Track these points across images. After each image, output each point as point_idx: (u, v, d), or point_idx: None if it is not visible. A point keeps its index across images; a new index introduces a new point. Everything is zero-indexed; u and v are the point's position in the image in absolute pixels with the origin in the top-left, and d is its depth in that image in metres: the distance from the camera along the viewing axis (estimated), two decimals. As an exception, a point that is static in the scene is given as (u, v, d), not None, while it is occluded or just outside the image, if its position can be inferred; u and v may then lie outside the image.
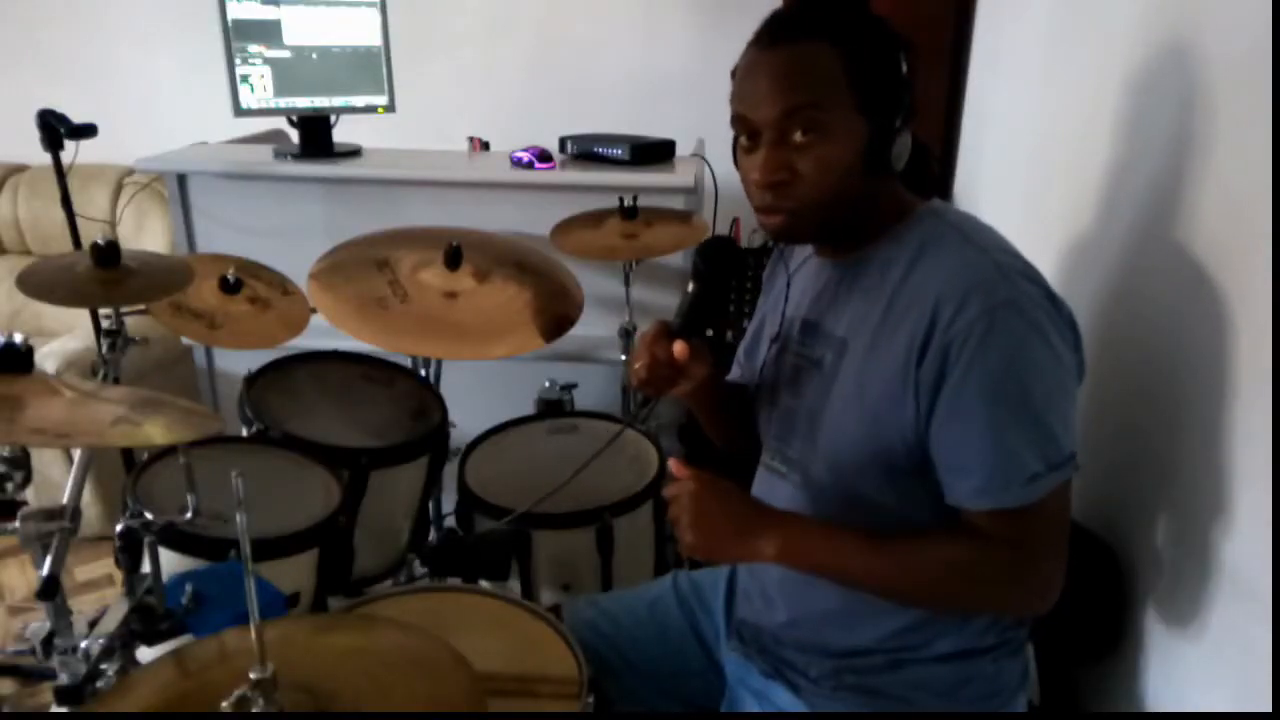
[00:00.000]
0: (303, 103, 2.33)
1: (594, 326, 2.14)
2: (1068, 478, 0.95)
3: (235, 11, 2.19)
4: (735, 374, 1.28)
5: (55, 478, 2.49)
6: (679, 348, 1.06)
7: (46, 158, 2.00)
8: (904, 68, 0.97)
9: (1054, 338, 0.92)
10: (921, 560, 0.98)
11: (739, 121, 0.99)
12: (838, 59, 0.94)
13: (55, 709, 1.06)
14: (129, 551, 1.17)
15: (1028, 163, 1.81)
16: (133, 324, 1.67)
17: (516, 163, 2.31)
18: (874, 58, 0.95)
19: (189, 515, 1.18)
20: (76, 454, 1.23)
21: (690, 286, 1.11)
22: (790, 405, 1.10)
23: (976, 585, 0.98)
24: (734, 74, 1.00)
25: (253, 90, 2.25)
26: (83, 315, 2.32)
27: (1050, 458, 0.92)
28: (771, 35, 0.97)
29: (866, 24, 0.97)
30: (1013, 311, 0.90)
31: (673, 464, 1.02)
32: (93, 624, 1.11)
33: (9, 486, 1.07)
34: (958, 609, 1.04)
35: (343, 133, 2.44)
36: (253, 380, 1.69)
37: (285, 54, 2.28)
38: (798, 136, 0.95)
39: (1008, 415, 0.91)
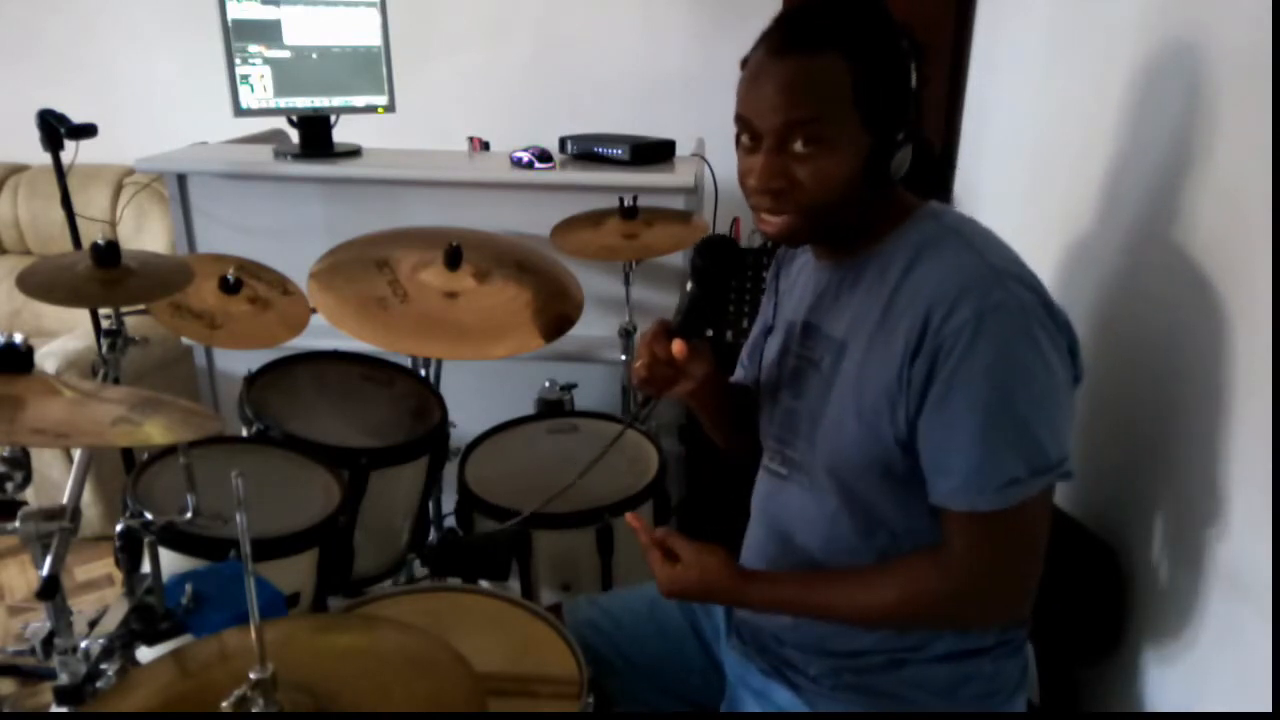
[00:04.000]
0: (303, 103, 2.32)
1: (594, 326, 2.15)
2: (1051, 485, 0.94)
3: (235, 11, 2.19)
4: (739, 375, 1.28)
5: (55, 478, 2.49)
6: (678, 347, 1.07)
7: (46, 158, 2.00)
8: (914, 80, 0.96)
9: (1045, 344, 0.91)
10: (867, 598, 1.01)
11: (741, 122, 0.98)
12: (846, 74, 0.92)
13: (55, 709, 1.05)
14: (129, 551, 1.17)
15: (1028, 162, 1.81)
16: (133, 324, 1.67)
17: (516, 163, 2.31)
18: (884, 73, 0.94)
19: (189, 515, 1.18)
20: (76, 454, 1.23)
21: (689, 286, 1.11)
22: (792, 406, 1.10)
23: (929, 613, 1.01)
24: (744, 64, 0.99)
25: (253, 90, 2.25)
26: (83, 315, 2.32)
27: (1034, 463, 0.92)
28: (783, 40, 0.95)
29: (881, 35, 0.95)
30: (1002, 315, 0.90)
31: (656, 534, 1.09)
32: (93, 624, 1.11)
33: (9, 486, 1.07)
34: (921, 629, 1.05)
35: (343, 133, 2.43)
36: (253, 380, 1.69)
37: (285, 54, 2.27)
38: (798, 146, 0.94)
39: (991, 418, 0.91)
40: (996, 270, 0.93)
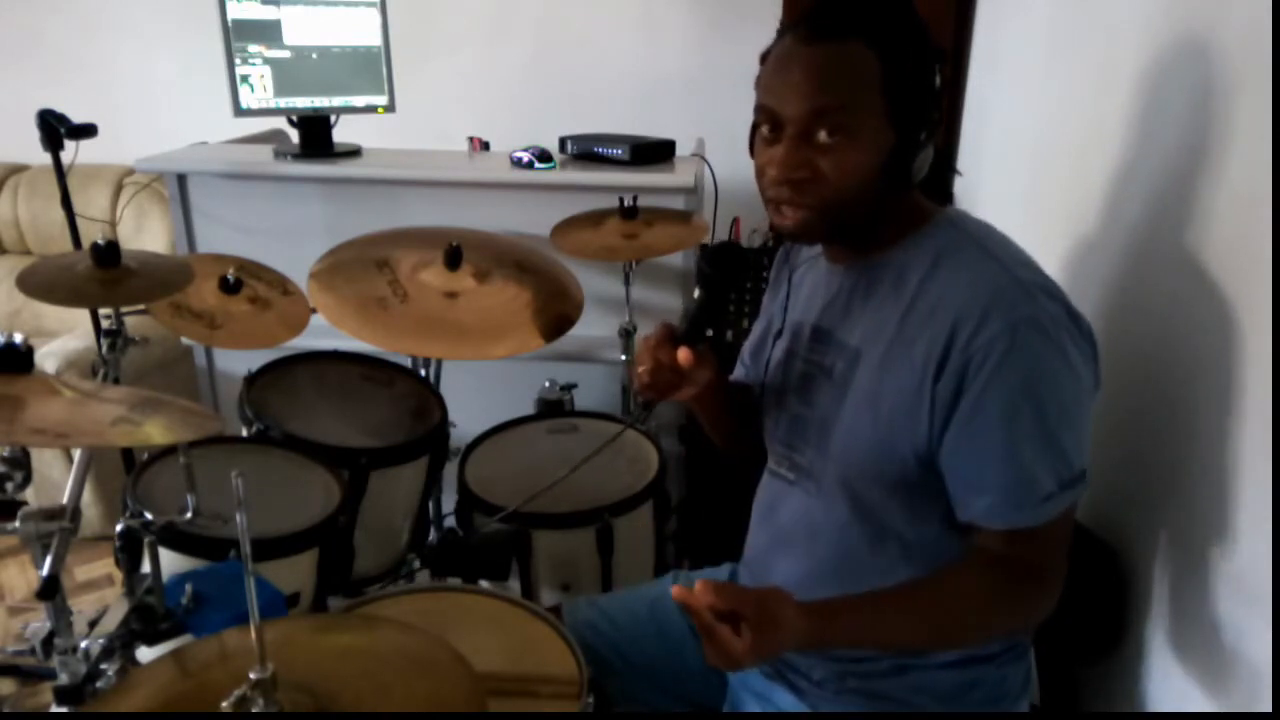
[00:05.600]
0: (303, 103, 2.32)
1: (594, 326, 2.14)
2: (1078, 497, 0.94)
3: (235, 11, 2.19)
4: (739, 374, 1.28)
5: (55, 478, 2.49)
6: (683, 354, 1.05)
7: (46, 158, 2.00)
8: (938, 81, 0.95)
9: (1074, 355, 0.91)
10: (943, 606, 0.96)
11: (763, 111, 0.97)
12: (875, 65, 0.91)
13: (55, 709, 1.05)
14: (129, 551, 1.17)
15: (1029, 162, 1.81)
16: (133, 324, 1.67)
17: (516, 163, 2.31)
18: (911, 68, 0.93)
19: (189, 515, 1.18)
20: (76, 454, 1.23)
21: (696, 293, 1.10)
22: (800, 413, 1.09)
23: (999, 614, 0.97)
24: (764, 58, 0.98)
25: (253, 90, 2.25)
26: (83, 315, 2.32)
27: (1062, 477, 0.92)
28: (811, 29, 0.93)
29: (910, 31, 0.94)
30: (1034, 329, 0.89)
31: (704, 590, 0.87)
32: (93, 624, 1.11)
33: (9, 486, 1.07)
34: (987, 638, 1.04)
35: (343, 133, 2.43)
36: (253, 380, 1.69)
37: (285, 54, 2.27)
38: (822, 136, 0.93)
39: (1024, 434, 0.90)
40: (1023, 282, 0.92)
